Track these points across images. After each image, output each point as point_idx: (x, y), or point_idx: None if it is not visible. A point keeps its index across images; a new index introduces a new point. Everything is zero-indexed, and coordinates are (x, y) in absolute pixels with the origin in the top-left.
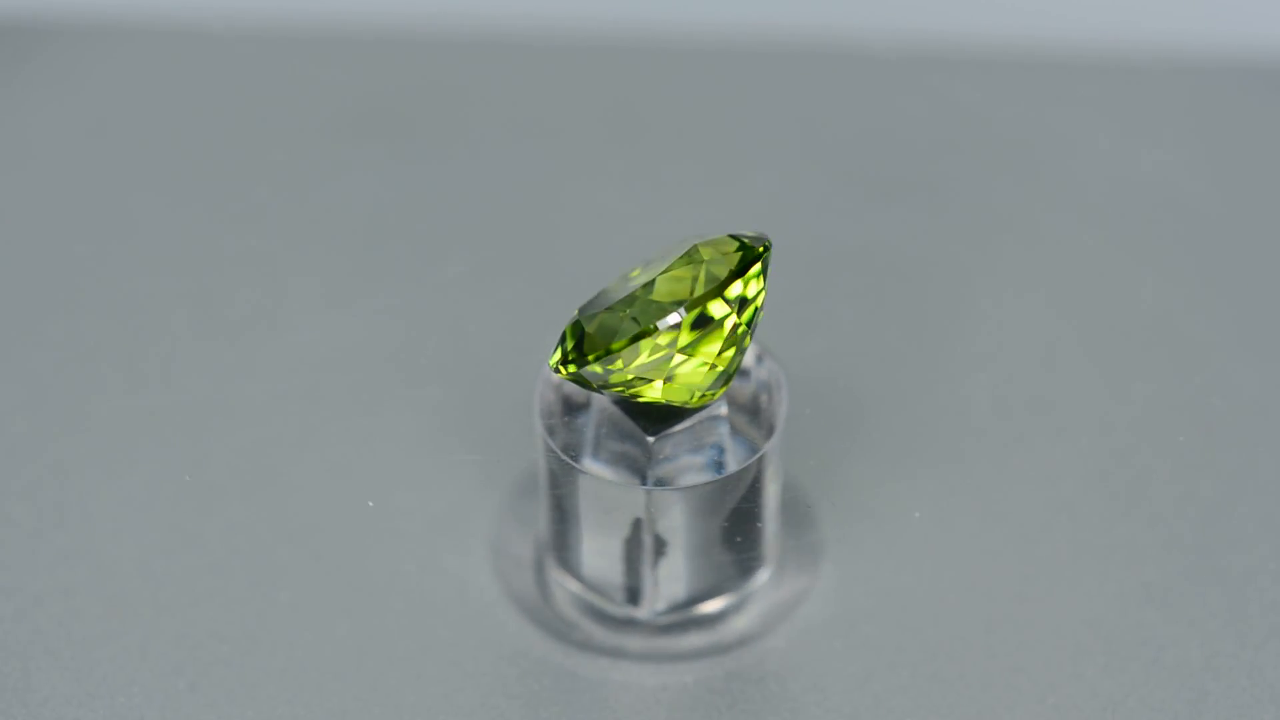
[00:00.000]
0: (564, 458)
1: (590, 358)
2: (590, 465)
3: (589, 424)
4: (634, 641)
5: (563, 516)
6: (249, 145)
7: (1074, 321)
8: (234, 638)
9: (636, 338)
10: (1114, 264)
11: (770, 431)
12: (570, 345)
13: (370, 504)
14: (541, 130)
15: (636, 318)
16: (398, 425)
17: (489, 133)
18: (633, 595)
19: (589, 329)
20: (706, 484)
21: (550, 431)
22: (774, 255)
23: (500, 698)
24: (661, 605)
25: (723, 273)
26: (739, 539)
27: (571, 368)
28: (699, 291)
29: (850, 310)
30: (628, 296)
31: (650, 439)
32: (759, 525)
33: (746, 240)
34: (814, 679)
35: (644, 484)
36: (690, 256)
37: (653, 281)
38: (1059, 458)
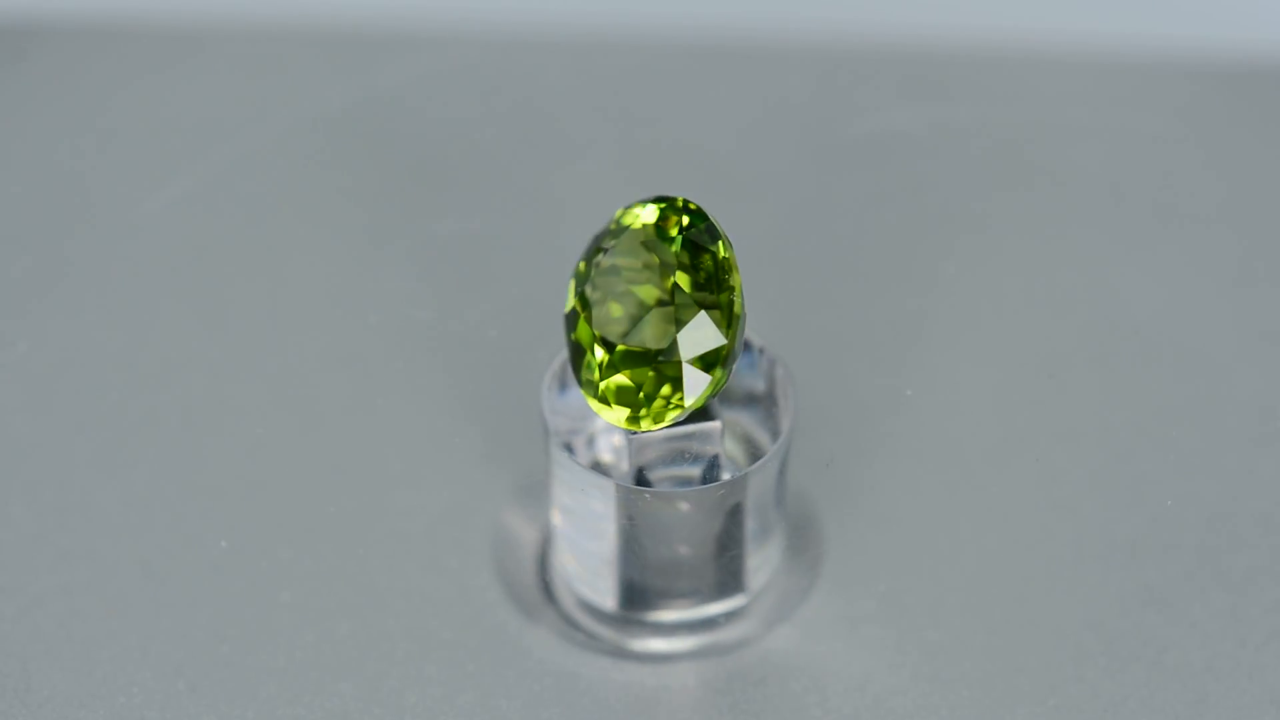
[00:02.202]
0: (676, 491)
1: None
2: (682, 487)
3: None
4: (634, 641)
5: (640, 550)
6: (249, 145)
7: (1074, 321)
8: (234, 638)
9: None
10: (1114, 264)
11: (771, 378)
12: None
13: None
14: (542, 129)
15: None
16: (398, 425)
17: (490, 131)
18: (734, 581)
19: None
20: (784, 440)
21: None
22: (773, 256)
23: (500, 698)
24: (763, 578)
25: (685, 258)
26: (783, 488)
27: (672, 411)
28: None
29: (850, 310)
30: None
31: (718, 421)
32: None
33: (667, 207)
34: (814, 679)
35: (720, 473)
36: (655, 253)
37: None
38: (1059, 458)
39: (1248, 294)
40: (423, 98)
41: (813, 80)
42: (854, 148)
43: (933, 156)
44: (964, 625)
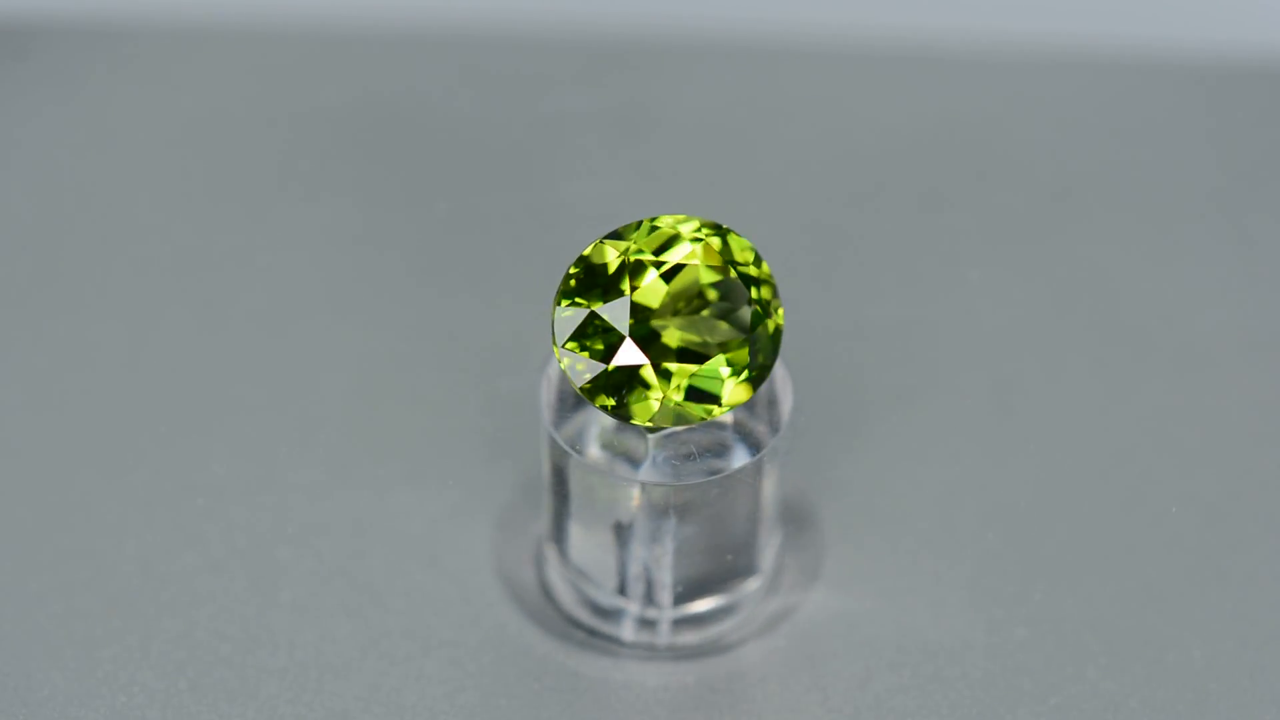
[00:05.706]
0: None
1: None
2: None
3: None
4: (635, 641)
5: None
6: (249, 145)
7: (1074, 321)
8: (234, 638)
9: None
10: (1113, 263)
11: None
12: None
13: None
14: (543, 128)
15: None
16: (398, 425)
17: (490, 131)
18: (749, 566)
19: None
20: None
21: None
22: (772, 256)
23: (500, 698)
24: (769, 563)
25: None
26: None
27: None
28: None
29: (849, 309)
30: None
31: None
32: None
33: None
34: (814, 679)
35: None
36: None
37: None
38: (1059, 458)
39: (1248, 293)
40: (423, 97)
41: (812, 80)
42: (853, 146)
43: (933, 155)
44: (964, 625)
